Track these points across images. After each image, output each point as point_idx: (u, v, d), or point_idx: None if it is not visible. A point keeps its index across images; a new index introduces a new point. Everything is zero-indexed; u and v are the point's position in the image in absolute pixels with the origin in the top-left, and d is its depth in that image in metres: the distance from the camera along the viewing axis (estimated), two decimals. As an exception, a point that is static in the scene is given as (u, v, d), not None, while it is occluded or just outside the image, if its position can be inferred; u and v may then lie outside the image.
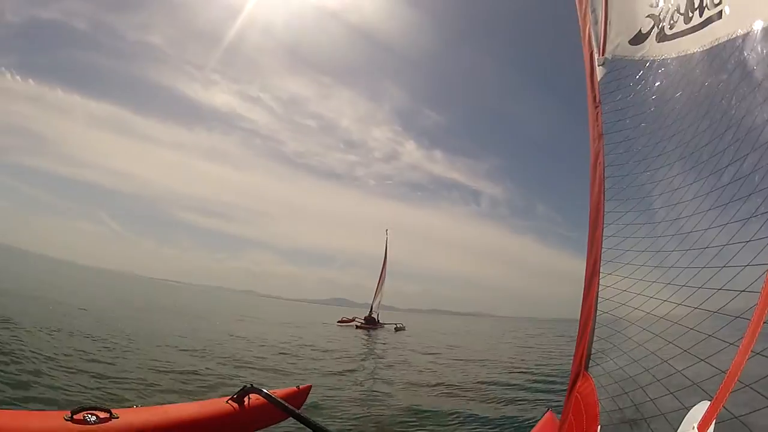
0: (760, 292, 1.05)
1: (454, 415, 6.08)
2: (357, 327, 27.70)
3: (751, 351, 0.98)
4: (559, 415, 3.57)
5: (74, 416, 2.28)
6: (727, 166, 1.48)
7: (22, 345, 6.78)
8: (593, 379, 1.94)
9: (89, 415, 2.31)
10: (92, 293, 27.60)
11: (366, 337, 20.53)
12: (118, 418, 2.40)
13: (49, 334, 8.27)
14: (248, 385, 3.12)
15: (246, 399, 3.11)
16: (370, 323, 29.43)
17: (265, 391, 3.00)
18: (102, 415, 2.36)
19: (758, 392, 0.88)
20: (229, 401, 3.09)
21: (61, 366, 6.02)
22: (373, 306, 32.09)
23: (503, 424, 5.87)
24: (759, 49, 1.48)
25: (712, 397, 1.05)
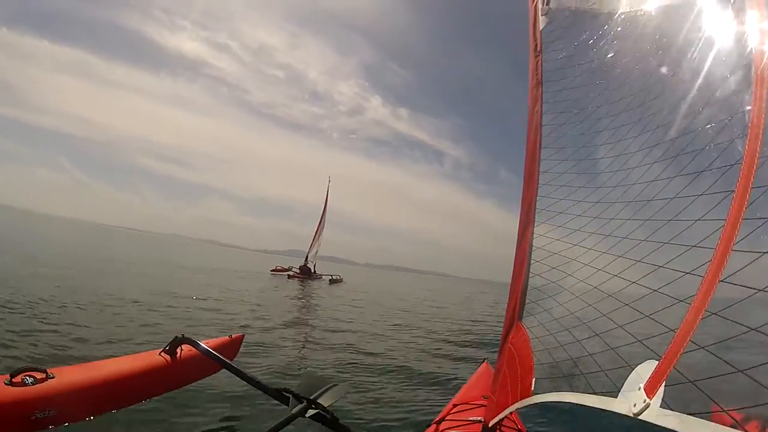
0: (715, 248, 0.99)
1: (380, 369, 6.14)
2: (289, 277, 26.98)
3: (705, 311, 0.93)
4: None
5: (13, 379, 2.32)
6: (675, 120, 1.42)
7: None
8: (527, 330, 1.93)
9: (27, 377, 2.36)
10: (48, 243, 25.75)
11: (297, 288, 20.18)
12: (54, 377, 2.45)
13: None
14: (180, 336, 3.07)
15: (179, 350, 3.09)
16: (305, 273, 28.72)
17: (197, 341, 2.96)
18: (39, 375, 2.41)
19: (716, 355, 0.81)
20: (162, 353, 3.07)
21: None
22: (309, 256, 31.07)
23: (437, 378, 6.02)
24: (704, 9, 1.41)
25: (660, 357, 1.00)
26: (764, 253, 0.85)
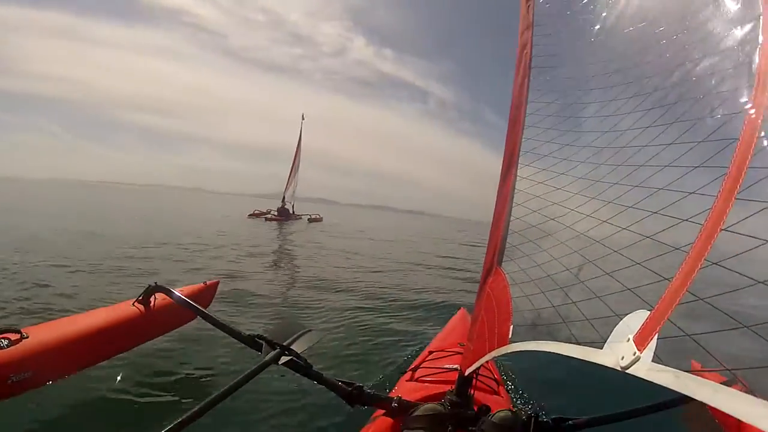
0: (717, 195, 0.93)
1: (353, 313, 6.20)
2: (267, 219, 26.66)
3: (705, 260, 0.88)
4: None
5: None
6: (675, 68, 1.33)
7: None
8: (507, 275, 1.89)
9: (1, 340, 2.31)
10: (39, 205, 25.45)
11: (274, 230, 20.14)
12: (28, 337, 2.40)
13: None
14: (153, 284, 3.01)
15: (152, 299, 3.05)
16: (283, 215, 28.43)
17: (171, 289, 2.89)
18: (13, 337, 2.36)
19: (719, 310, 0.76)
20: (136, 303, 3.02)
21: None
22: (286, 196, 30.77)
23: (413, 323, 6.07)
24: None
25: (652, 307, 0.96)
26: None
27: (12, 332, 2.38)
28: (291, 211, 29.94)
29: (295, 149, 33.15)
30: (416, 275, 10.76)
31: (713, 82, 1.11)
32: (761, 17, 0.99)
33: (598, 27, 1.91)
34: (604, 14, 1.86)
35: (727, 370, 0.69)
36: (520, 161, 2.12)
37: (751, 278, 0.76)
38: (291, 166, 32.70)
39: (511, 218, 2.07)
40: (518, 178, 2.10)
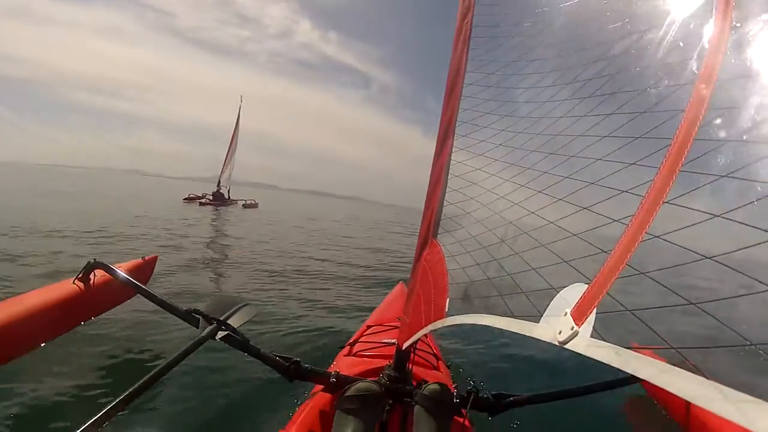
0: (660, 166, 0.91)
1: (290, 292, 6.17)
2: (201, 204, 25.86)
3: (646, 233, 0.85)
4: None
5: None
6: (617, 57, 1.30)
7: None
8: (443, 247, 1.86)
9: None
10: None
11: (207, 215, 19.49)
12: None
13: None
14: (92, 261, 2.90)
15: (92, 276, 2.95)
16: (218, 199, 27.80)
17: (110, 266, 2.82)
18: None
19: (661, 284, 0.73)
20: (76, 281, 2.91)
21: None
22: (221, 180, 29.90)
23: (350, 300, 6.11)
24: None
25: (590, 281, 0.93)
26: (721, 176, 0.76)
27: None
28: (226, 196, 29.20)
29: (233, 132, 32.11)
30: (352, 256, 10.86)
31: (660, 53, 1.08)
32: (713, 11, 0.96)
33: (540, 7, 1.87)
34: None
35: (673, 348, 0.66)
36: (456, 132, 2.09)
37: (697, 253, 0.73)
38: (227, 148, 31.86)
39: (447, 190, 2.04)
40: (454, 149, 2.06)
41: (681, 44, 1.05)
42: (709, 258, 0.71)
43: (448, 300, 1.50)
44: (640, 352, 0.70)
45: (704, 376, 0.58)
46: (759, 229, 0.64)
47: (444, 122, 2.20)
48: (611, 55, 1.33)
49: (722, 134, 0.82)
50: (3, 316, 2.44)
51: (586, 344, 0.81)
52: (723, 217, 0.71)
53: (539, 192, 1.38)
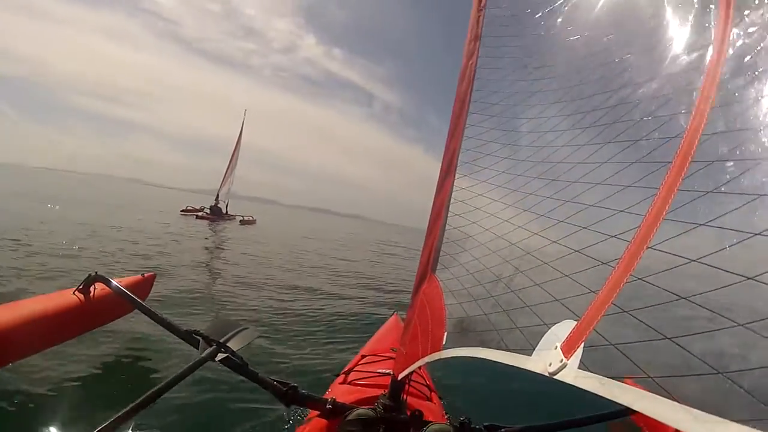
0: (646, 214, 0.99)
1: (285, 316, 6.11)
2: (197, 217, 25.19)
3: (631, 275, 0.93)
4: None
5: None
6: (616, 90, 1.40)
7: None
8: (441, 282, 1.92)
9: None
10: None
11: (202, 230, 19.20)
12: None
13: None
14: (93, 273, 2.94)
15: (92, 289, 2.97)
16: (216, 214, 27.08)
17: (110, 279, 2.87)
18: None
19: (643, 322, 0.80)
20: (75, 292, 2.92)
21: None
22: (220, 194, 29.14)
23: (345, 327, 6.07)
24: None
25: (579, 318, 1.00)
26: (699, 224, 0.84)
27: None
28: (224, 211, 28.49)
29: (235, 146, 31.49)
30: (347, 279, 10.74)
31: (653, 106, 1.18)
32: (710, 46, 1.07)
33: (544, 45, 1.99)
34: (552, 31, 1.94)
35: (650, 378, 0.73)
36: (457, 171, 2.17)
37: (673, 293, 0.81)
38: (228, 162, 31.00)
39: (447, 227, 2.11)
40: (455, 188, 2.14)
41: (672, 97, 1.15)
42: (684, 298, 0.78)
43: (445, 333, 1.56)
44: (624, 382, 0.76)
45: (677, 401, 0.65)
46: (727, 272, 0.72)
47: (446, 160, 2.28)
48: (609, 105, 1.44)
49: (705, 186, 0.91)
50: (7, 319, 2.43)
51: (573, 375, 0.87)
52: (698, 262, 0.79)
53: (535, 234, 1.46)
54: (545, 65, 1.92)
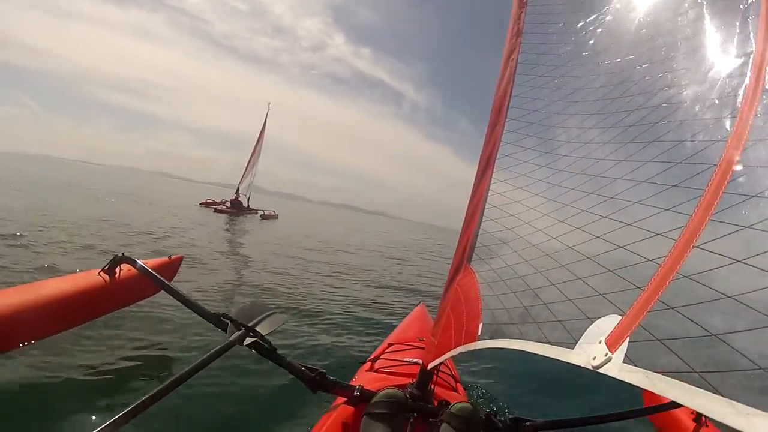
0: (692, 214, 1.01)
1: (309, 308, 6.16)
2: (216, 210, 25.01)
3: (678, 273, 0.95)
4: (431, 313, 3.79)
5: None
6: (658, 106, 1.41)
7: None
8: (477, 273, 1.95)
9: None
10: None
11: (220, 223, 18.97)
12: None
13: None
14: (119, 255, 2.96)
15: (118, 269, 2.98)
16: (236, 207, 26.93)
17: (137, 261, 2.87)
18: None
19: (689, 318, 0.84)
20: (101, 273, 2.94)
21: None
22: (240, 187, 28.88)
23: (370, 318, 6.12)
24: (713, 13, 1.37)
25: (624, 313, 1.03)
26: (744, 227, 0.87)
27: None
28: (245, 205, 28.22)
29: (257, 138, 31.44)
30: (372, 274, 10.75)
31: (697, 108, 1.20)
32: (752, 55, 1.08)
33: (589, 44, 1.98)
34: (598, 31, 1.93)
35: (695, 373, 0.76)
36: (497, 164, 2.18)
37: (719, 292, 0.84)
38: (250, 155, 30.89)
39: (484, 219, 2.13)
40: (494, 180, 2.16)
41: (716, 102, 1.16)
42: (730, 297, 0.81)
43: (480, 324, 1.59)
44: (680, 375, 0.79)
45: (720, 395, 0.69)
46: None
47: (485, 153, 2.29)
48: (652, 105, 1.44)
49: (750, 190, 0.93)
50: (23, 299, 2.49)
51: (618, 369, 0.91)
52: (743, 262, 0.82)
53: (577, 228, 1.48)
54: (586, 74, 1.92)
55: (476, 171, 2.36)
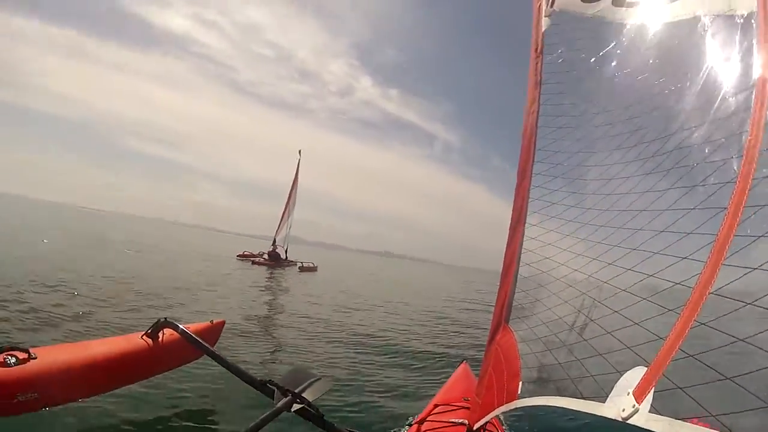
0: (706, 261, 1.03)
1: (353, 366, 6.02)
2: (254, 263, 24.47)
3: (695, 321, 0.97)
4: (474, 368, 3.73)
5: None
6: (672, 135, 1.46)
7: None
8: (515, 333, 1.96)
9: (9, 357, 2.27)
10: (39, 228, 24.61)
11: (258, 276, 18.38)
12: (36, 358, 2.37)
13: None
14: (162, 319, 3.02)
15: (161, 334, 3.03)
16: (274, 259, 26.03)
17: (179, 325, 2.93)
18: (21, 355, 2.33)
19: (706, 365, 0.85)
20: (144, 336, 3.00)
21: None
22: (277, 239, 27.80)
23: (412, 378, 5.98)
24: (716, 34, 1.45)
25: (648, 364, 1.04)
26: (754, 268, 0.89)
27: (20, 351, 2.35)
28: (283, 256, 27.09)
29: (291, 188, 29.88)
30: (414, 325, 10.46)
31: (706, 150, 1.24)
32: (753, 89, 1.13)
33: (601, 89, 2.04)
34: (606, 76, 1.99)
35: (712, 416, 0.77)
36: (527, 220, 2.21)
37: (733, 336, 0.85)
38: (284, 206, 29.41)
39: (519, 276, 2.15)
40: (525, 238, 2.18)
41: (723, 143, 1.20)
42: (742, 340, 0.82)
43: (520, 383, 1.60)
44: (689, 422, 0.80)
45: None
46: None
47: (516, 209, 2.31)
48: (668, 133, 1.48)
49: (759, 229, 0.95)
50: (66, 359, 2.52)
51: (645, 419, 0.92)
52: (754, 305, 0.84)
53: (605, 283, 1.50)
54: (604, 110, 1.97)
55: (508, 228, 2.38)
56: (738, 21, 1.30)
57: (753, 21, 1.23)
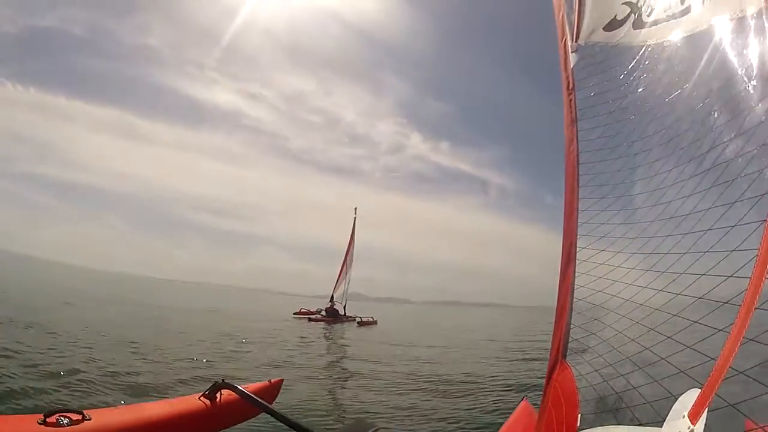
0: (750, 277, 1.03)
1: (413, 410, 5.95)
2: (310, 320, 24.77)
3: (743, 337, 0.96)
4: (535, 404, 3.60)
5: (47, 419, 2.25)
6: (708, 152, 1.47)
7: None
8: (572, 368, 1.93)
9: (62, 418, 2.28)
10: (115, 297, 25.92)
11: (313, 333, 18.38)
12: (90, 419, 2.37)
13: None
14: (220, 381, 3.06)
15: (218, 395, 3.06)
16: (332, 316, 26.24)
17: (237, 386, 2.95)
18: (75, 417, 2.34)
19: (754, 379, 0.85)
20: (201, 398, 3.04)
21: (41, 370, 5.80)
22: (335, 295, 28.29)
23: (474, 417, 5.82)
24: (734, 39, 1.47)
25: (702, 385, 1.03)
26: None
27: (75, 413, 2.36)
28: (341, 312, 27.38)
29: (347, 245, 30.44)
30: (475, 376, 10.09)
31: (743, 163, 1.24)
32: None
33: (634, 113, 2.05)
34: (638, 101, 2.01)
35: (761, 428, 0.77)
36: (578, 257, 2.20)
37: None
38: (342, 263, 30.03)
39: (573, 312, 2.12)
40: (577, 274, 2.16)
41: (757, 153, 1.20)
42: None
43: (580, 416, 1.57)
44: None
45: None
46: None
47: (565, 247, 2.29)
48: (702, 170, 1.48)
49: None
50: (121, 420, 2.52)
51: None
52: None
53: (656, 310, 1.49)
54: (639, 138, 1.98)
55: (559, 266, 2.36)
56: (750, 23, 1.33)
57: (764, 18, 1.26)
